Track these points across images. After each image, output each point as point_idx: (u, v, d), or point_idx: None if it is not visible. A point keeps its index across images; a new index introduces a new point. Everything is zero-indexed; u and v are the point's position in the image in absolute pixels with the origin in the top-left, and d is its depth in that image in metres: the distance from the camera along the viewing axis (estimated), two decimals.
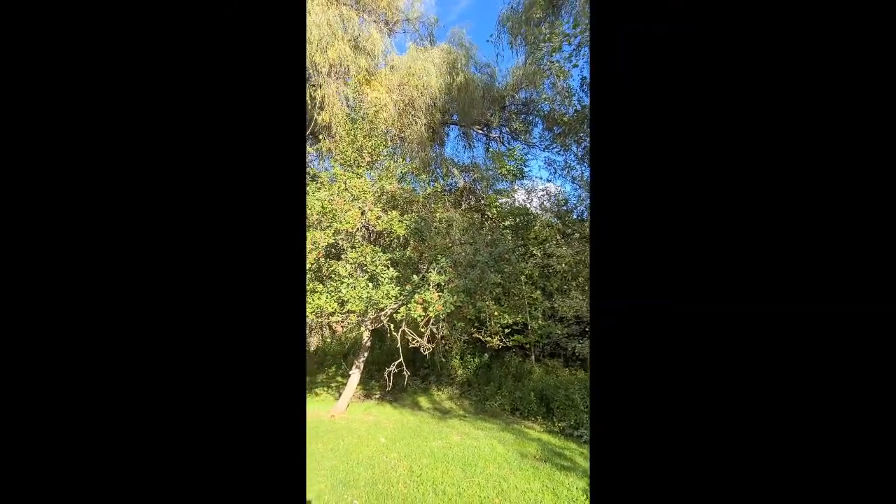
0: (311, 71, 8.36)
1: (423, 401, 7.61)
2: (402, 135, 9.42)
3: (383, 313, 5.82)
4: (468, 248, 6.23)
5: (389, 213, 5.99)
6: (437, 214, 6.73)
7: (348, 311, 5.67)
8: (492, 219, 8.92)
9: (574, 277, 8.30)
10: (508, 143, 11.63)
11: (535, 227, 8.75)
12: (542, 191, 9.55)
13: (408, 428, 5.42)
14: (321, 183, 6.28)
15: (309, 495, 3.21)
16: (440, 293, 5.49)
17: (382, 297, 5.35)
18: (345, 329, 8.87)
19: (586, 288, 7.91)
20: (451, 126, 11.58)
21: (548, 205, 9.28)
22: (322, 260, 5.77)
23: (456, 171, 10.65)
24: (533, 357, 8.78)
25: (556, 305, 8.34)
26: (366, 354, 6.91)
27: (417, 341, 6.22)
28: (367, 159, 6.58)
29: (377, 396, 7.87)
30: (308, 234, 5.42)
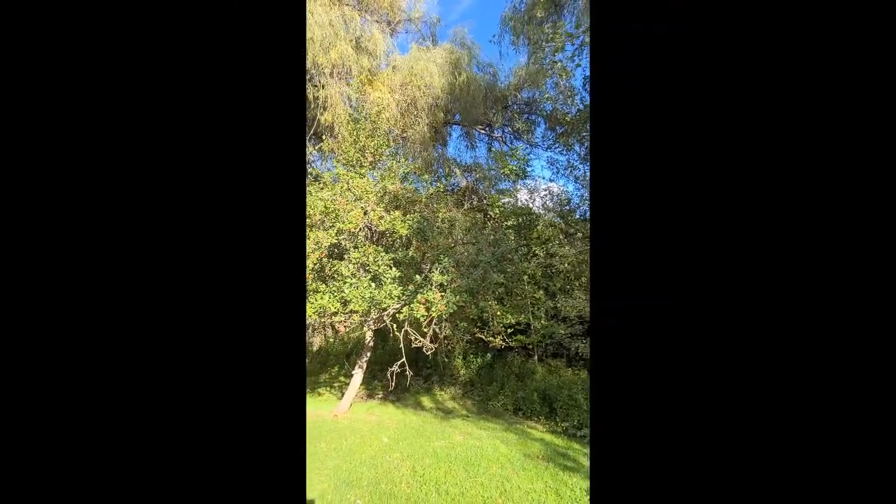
0: (313, 71, 8.39)
1: (425, 401, 7.62)
2: (405, 135, 9.44)
3: (386, 313, 5.83)
4: (471, 248, 6.22)
5: (392, 212, 6.00)
6: (440, 214, 6.72)
7: (351, 311, 5.68)
8: (494, 219, 8.90)
9: (577, 277, 8.27)
10: (511, 143, 11.65)
11: (538, 227, 8.73)
12: (545, 190, 9.53)
13: (410, 428, 5.43)
14: (324, 183, 6.30)
15: (312, 495, 3.22)
16: (443, 293, 5.49)
17: (385, 297, 5.36)
18: (347, 329, 8.88)
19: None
20: (454, 126, 11.60)
21: (550, 204, 9.25)
22: (325, 260, 5.79)
23: (458, 171, 10.66)
24: (536, 357, 8.75)
25: (558, 305, 8.31)
26: (368, 354, 6.93)
27: (420, 341, 6.22)
28: (370, 159, 6.59)
29: (380, 396, 7.89)
30: (311, 234, 5.44)
